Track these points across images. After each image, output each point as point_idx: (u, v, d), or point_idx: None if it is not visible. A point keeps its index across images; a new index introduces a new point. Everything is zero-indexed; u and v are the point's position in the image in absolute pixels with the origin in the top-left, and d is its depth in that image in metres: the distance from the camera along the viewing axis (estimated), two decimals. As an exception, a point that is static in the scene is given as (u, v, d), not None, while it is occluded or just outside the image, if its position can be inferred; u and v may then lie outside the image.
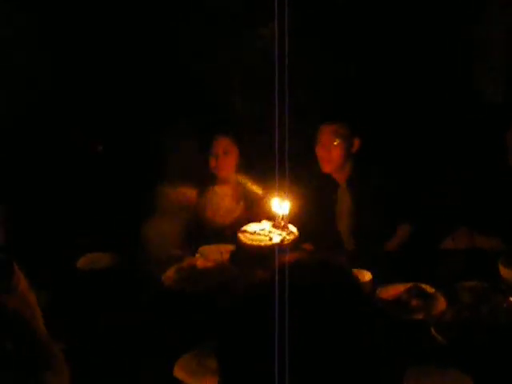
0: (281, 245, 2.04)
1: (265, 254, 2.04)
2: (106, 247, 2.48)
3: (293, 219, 2.25)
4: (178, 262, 2.31)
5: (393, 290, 2.07)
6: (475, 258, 2.33)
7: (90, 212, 2.84)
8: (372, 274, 2.10)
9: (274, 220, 2.14)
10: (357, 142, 2.57)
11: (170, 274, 2.22)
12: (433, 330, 1.80)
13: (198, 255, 2.42)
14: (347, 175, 2.62)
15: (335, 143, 2.54)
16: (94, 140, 3.38)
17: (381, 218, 2.54)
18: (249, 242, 2.07)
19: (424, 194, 2.65)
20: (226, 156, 2.78)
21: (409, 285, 2.08)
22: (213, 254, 2.36)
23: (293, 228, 2.14)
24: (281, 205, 2.13)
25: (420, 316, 1.91)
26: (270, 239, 2.07)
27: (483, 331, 1.74)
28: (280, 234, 2.09)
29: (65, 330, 1.60)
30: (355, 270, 2.06)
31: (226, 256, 2.27)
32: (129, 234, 2.56)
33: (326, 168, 2.59)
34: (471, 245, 2.44)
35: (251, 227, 2.17)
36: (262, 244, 2.05)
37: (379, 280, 2.13)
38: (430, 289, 2.06)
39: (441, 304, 1.97)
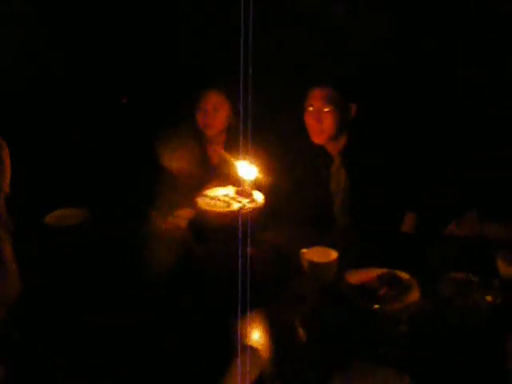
0: (238, 213, 1.83)
1: (220, 221, 1.84)
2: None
3: (273, 190, 2.03)
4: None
5: (364, 275, 1.80)
6: (479, 247, 2.01)
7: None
8: (346, 254, 1.84)
9: (239, 186, 1.93)
10: (353, 109, 2.25)
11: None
12: (388, 321, 1.53)
13: (170, 218, 2.25)
14: (342, 147, 2.31)
15: (326, 110, 2.22)
16: (120, 92, 3.25)
17: (379, 198, 2.23)
18: (204, 207, 1.87)
19: (431, 175, 2.30)
20: (215, 113, 2.52)
21: (382, 270, 1.80)
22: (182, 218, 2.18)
23: (258, 196, 1.91)
24: (247, 170, 1.91)
25: (384, 306, 1.64)
26: (228, 206, 1.86)
27: (437, 330, 1.46)
28: (240, 202, 1.87)
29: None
30: (318, 248, 1.82)
31: (183, 222, 2.08)
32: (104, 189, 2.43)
33: (316, 138, 2.27)
34: (477, 232, 2.10)
35: (213, 191, 1.97)
36: (217, 210, 1.84)
37: (355, 263, 1.88)
38: (405, 276, 1.78)
39: (412, 295, 1.69)
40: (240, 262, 1.78)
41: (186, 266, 1.83)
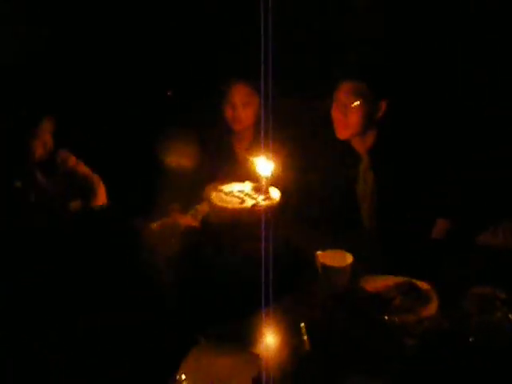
0: (251, 210, 1.76)
1: (232, 217, 1.78)
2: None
3: (293, 187, 1.95)
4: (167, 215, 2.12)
5: (380, 283, 1.69)
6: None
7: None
8: (363, 258, 1.73)
9: (256, 182, 1.86)
10: (383, 106, 2.10)
11: (153, 226, 2.04)
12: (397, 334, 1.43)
13: (191, 211, 2.20)
14: (370, 146, 2.18)
15: (353, 105, 2.09)
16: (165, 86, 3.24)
17: (409, 202, 2.10)
18: (217, 203, 1.81)
19: (465, 178, 2.13)
20: (244, 107, 2.43)
21: (401, 279, 1.69)
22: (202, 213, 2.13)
23: (275, 193, 1.84)
24: (265, 165, 1.84)
25: (396, 317, 1.53)
26: (242, 202, 1.79)
27: (451, 348, 1.34)
28: (255, 199, 1.80)
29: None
30: (334, 251, 1.73)
31: (195, 218, 2.02)
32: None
33: (341, 134, 2.14)
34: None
35: (229, 187, 1.91)
36: (229, 206, 1.77)
37: (374, 269, 1.77)
38: (425, 287, 1.66)
39: (429, 308, 1.56)
40: (252, 259, 1.73)
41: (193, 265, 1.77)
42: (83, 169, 2.58)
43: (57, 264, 1.66)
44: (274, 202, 1.79)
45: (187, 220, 2.08)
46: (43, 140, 2.39)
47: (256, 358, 1.42)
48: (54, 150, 2.46)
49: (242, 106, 2.42)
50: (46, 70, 2.89)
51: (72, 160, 2.57)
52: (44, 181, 2.42)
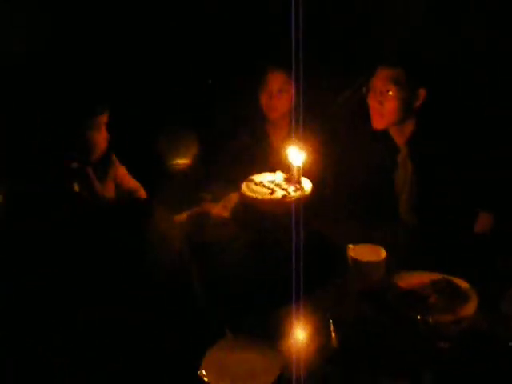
0: (281, 201, 1.70)
1: (263, 208, 1.73)
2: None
3: (326, 178, 1.88)
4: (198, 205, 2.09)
5: (416, 279, 1.61)
6: None
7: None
8: (394, 253, 1.65)
9: (288, 172, 1.80)
10: (422, 94, 1.99)
11: (181, 217, 2.01)
12: (431, 336, 1.35)
13: (223, 201, 2.16)
14: (409, 136, 2.07)
15: (390, 93, 1.98)
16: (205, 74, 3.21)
17: (450, 195, 1.99)
18: (247, 193, 1.76)
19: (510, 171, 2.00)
20: (281, 94, 2.37)
21: (438, 275, 1.60)
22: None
23: (307, 184, 1.77)
24: (296, 155, 1.78)
25: (431, 317, 1.45)
26: (272, 193, 1.74)
27: (489, 352, 1.25)
28: (285, 189, 1.74)
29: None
30: (368, 245, 1.65)
31: (226, 209, 1.97)
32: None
33: (377, 123, 2.04)
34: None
35: (261, 177, 1.86)
36: (259, 197, 1.73)
37: (410, 264, 1.69)
38: (464, 285, 1.57)
39: (467, 308, 1.48)
40: (282, 252, 1.68)
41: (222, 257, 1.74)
42: (132, 181, 2.24)
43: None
44: (306, 193, 1.73)
45: (218, 210, 2.05)
46: (103, 133, 2.01)
47: (281, 355, 1.38)
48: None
49: (279, 94, 2.36)
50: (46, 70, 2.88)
51: (122, 168, 2.22)
52: (99, 186, 2.07)
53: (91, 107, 2.00)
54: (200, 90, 3.06)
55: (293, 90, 2.35)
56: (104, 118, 2.00)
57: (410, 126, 2.05)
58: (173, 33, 2.95)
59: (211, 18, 2.93)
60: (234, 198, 2.12)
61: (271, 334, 1.46)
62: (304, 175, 1.81)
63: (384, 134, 2.10)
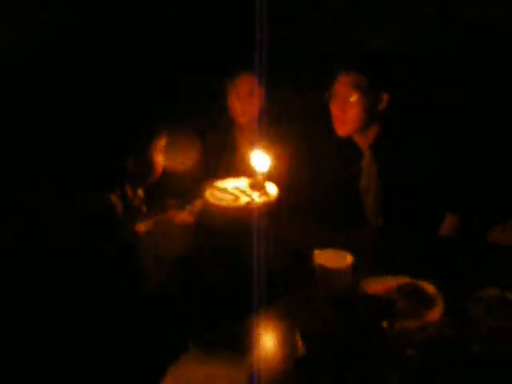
0: (245, 207, 1.67)
1: (227, 215, 1.69)
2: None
3: (292, 183, 1.86)
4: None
5: (381, 284, 1.59)
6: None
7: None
8: (362, 257, 1.63)
9: (252, 177, 1.77)
10: (385, 99, 1.97)
11: (146, 224, 1.96)
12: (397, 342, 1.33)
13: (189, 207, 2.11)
14: (372, 140, 2.04)
15: (352, 99, 1.96)
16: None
17: (415, 198, 1.98)
18: (210, 200, 1.72)
19: (474, 172, 2.01)
20: (249, 98, 2.31)
21: (404, 279, 1.59)
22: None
23: (271, 190, 1.74)
24: (261, 160, 1.74)
25: (397, 323, 1.43)
26: (236, 199, 1.70)
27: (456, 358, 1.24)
28: (249, 196, 1.71)
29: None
30: (333, 250, 1.63)
31: (192, 215, 1.92)
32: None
33: (340, 130, 2.01)
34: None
35: (225, 183, 1.82)
36: (223, 204, 1.69)
37: (377, 269, 1.67)
38: (430, 289, 1.55)
39: (434, 312, 1.46)
40: (246, 259, 1.65)
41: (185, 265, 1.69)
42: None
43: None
44: (270, 199, 1.70)
45: (183, 216, 2.00)
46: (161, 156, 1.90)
47: (247, 367, 1.35)
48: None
49: (247, 98, 2.32)
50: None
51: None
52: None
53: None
54: (168, 93, 3.02)
55: (261, 95, 2.32)
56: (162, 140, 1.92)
57: (373, 131, 2.03)
58: (138, 34, 2.91)
59: (178, 22, 2.90)
60: (199, 203, 2.07)
61: (236, 345, 1.42)
62: (269, 180, 1.78)
63: (348, 139, 2.08)
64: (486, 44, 2.35)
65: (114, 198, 1.80)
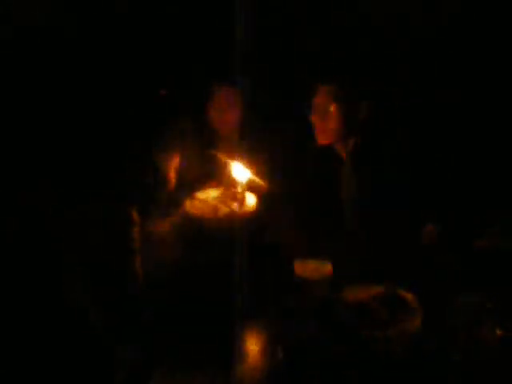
0: (225, 218, 1.67)
1: (207, 225, 1.69)
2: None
3: (271, 193, 1.86)
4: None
5: (362, 293, 1.60)
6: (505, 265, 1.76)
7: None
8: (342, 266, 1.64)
9: (232, 188, 1.77)
10: (365, 108, 1.99)
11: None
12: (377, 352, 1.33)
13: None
14: (351, 148, 2.06)
15: (332, 108, 1.98)
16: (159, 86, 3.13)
17: (394, 207, 2.00)
18: (191, 211, 1.72)
19: (453, 181, 2.02)
20: (230, 109, 2.31)
21: (383, 288, 1.59)
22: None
23: (251, 200, 1.75)
24: (241, 171, 1.75)
25: (376, 332, 1.43)
26: (216, 210, 1.70)
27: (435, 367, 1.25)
28: (229, 206, 1.71)
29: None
30: (313, 260, 1.63)
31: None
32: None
33: (320, 139, 2.03)
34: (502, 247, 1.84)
35: (205, 194, 1.82)
36: (203, 215, 1.69)
37: (357, 277, 1.68)
38: (408, 297, 1.56)
39: (412, 321, 1.46)
40: (226, 271, 1.64)
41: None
42: None
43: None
44: (250, 209, 1.70)
45: (163, 226, 2.00)
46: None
47: (229, 377, 1.34)
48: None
49: (228, 108, 2.33)
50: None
51: None
52: None
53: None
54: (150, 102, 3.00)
55: (240, 105, 2.33)
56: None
57: (353, 140, 2.05)
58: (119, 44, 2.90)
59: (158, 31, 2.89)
60: (179, 214, 2.07)
61: (218, 356, 1.42)
62: (249, 191, 1.78)
63: (327, 148, 2.09)
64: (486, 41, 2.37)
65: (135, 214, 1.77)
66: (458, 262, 1.81)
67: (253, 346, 1.52)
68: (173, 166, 1.85)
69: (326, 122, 1.99)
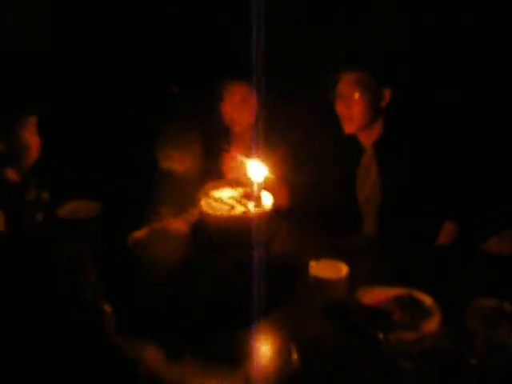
0: (240, 217, 1.66)
1: (222, 225, 1.68)
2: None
3: (292, 189, 1.85)
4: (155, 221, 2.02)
5: (378, 295, 1.58)
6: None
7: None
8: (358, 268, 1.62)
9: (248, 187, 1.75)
10: (387, 95, 2.01)
11: (139, 234, 1.94)
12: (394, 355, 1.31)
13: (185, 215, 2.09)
14: (376, 137, 2.07)
15: (356, 96, 2.00)
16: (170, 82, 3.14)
17: (414, 201, 1.98)
18: (205, 210, 1.71)
19: (476, 178, 2.00)
20: (243, 105, 2.31)
21: (401, 290, 1.58)
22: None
23: (267, 199, 1.73)
24: (257, 170, 1.73)
25: (393, 334, 1.42)
26: (232, 209, 1.69)
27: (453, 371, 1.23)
28: (245, 205, 1.70)
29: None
30: (329, 261, 1.61)
31: (188, 224, 1.91)
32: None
33: (347, 128, 2.05)
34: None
35: (220, 192, 1.80)
36: (218, 214, 1.67)
37: (373, 279, 1.66)
38: (427, 300, 1.54)
39: (430, 324, 1.45)
40: (242, 270, 1.64)
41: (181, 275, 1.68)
42: None
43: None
44: (266, 209, 1.68)
45: (178, 225, 1.99)
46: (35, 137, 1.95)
47: (241, 378, 1.33)
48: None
49: (241, 105, 2.31)
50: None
51: None
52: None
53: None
54: (163, 101, 3.01)
55: (255, 102, 2.31)
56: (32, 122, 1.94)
57: (378, 129, 2.06)
58: (134, 40, 2.91)
59: (175, 27, 2.90)
60: (195, 212, 2.06)
61: (231, 357, 1.41)
62: (265, 189, 1.77)
63: (350, 138, 2.09)
64: (484, 44, 2.35)
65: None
66: (474, 264, 1.79)
67: (267, 346, 1.50)
68: (30, 130, 1.92)
69: (352, 109, 2.01)
